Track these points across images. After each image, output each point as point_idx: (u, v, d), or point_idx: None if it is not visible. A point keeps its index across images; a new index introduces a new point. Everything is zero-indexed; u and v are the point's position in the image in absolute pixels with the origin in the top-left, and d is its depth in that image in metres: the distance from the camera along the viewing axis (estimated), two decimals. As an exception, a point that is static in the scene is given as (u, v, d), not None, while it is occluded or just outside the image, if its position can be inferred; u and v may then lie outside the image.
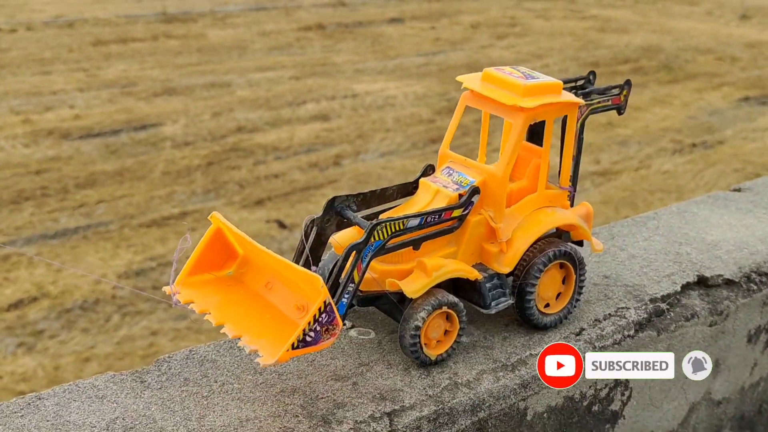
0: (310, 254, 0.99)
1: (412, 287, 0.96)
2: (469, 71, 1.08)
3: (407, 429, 0.89)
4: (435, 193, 1.03)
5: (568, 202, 1.10)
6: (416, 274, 0.98)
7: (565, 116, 1.07)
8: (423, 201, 1.04)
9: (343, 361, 0.97)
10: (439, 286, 0.99)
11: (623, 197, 3.43)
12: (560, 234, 1.10)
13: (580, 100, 1.05)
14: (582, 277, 1.08)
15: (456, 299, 0.98)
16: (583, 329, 1.04)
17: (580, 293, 1.08)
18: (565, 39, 6.26)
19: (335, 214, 1.01)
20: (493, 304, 1.01)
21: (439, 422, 0.92)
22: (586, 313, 1.08)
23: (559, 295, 1.08)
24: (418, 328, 0.95)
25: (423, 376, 0.95)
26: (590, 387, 1.02)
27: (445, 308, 0.97)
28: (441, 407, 0.92)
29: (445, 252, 1.02)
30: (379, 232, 0.93)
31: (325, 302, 0.84)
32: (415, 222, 0.97)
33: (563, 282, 1.08)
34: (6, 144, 3.79)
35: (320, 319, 0.84)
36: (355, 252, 0.92)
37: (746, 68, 5.61)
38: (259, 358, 0.83)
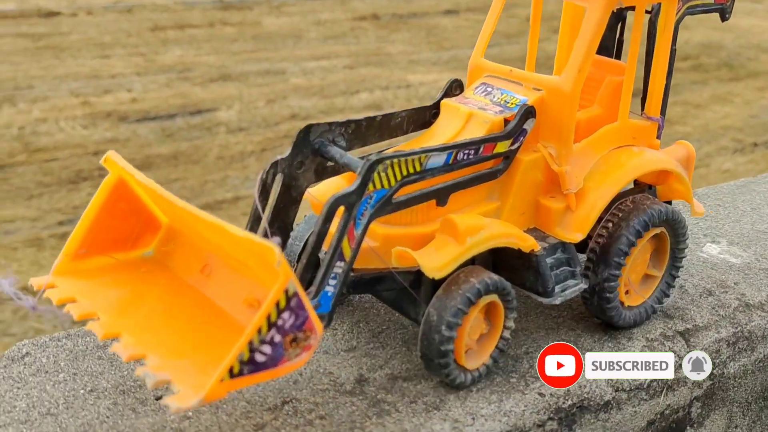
0: (275, 218, 0.64)
1: (435, 261, 0.63)
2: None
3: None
4: (467, 118, 0.71)
5: (658, 141, 0.81)
6: (440, 240, 0.65)
7: (659, 8, 0.76)
8: (449, 131, 0.71)
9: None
10: (472, 262, 0.67)
11: (680, 196, 3.36)
12: (642, 188, 0.81)
13: None
14: (682, 252, 0.79)
15: (505, 281, 0.67)
16: None
17: (676, 275, 0.81)
18: (624, 34, 6.15)
19: (312, 153, 0.66)
20: (557, 289, 0.71)
21: (738, 347, 0.84)
22: None
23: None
24: (453, 327, 0.64)
25: (705, 295, 0.87)
26: None
27: (491, 297, 0.66)
28: (739, 330, 0.83)
29: (484, 209, 0.71)
30: (382, 175, 0.60)
31: (287, 291, 0.51)
32: (439, 159, 0.64)
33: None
34: (66, 125, 3.86)
35: (280, 321, 0.51)
36: (344, 208, 0.60)
37: (812, 68, 5.44)
38: (170, 396, 0.50)
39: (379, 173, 0.60)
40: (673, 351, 0.82)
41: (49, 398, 0.75)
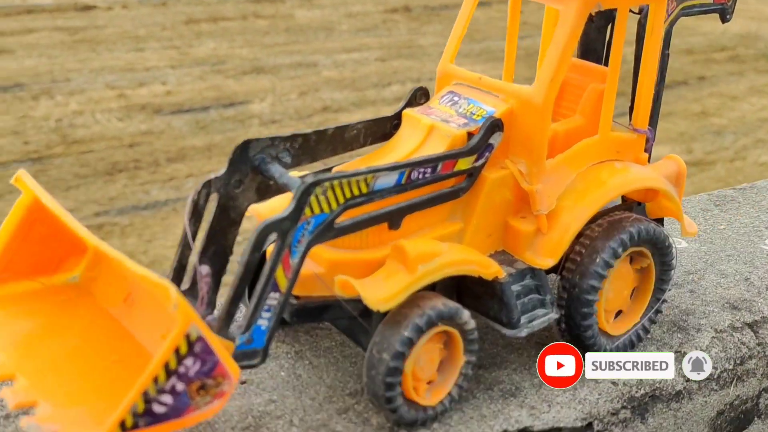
0: (210, 243, 0.58)
1: (380, 292, 0.57)
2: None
3: None
4: (428, 131, 0.66)
5: (645, 155, 0.76)
6: (389, 267, 0.60)
7: (647, 10, 0.70)
8: (408, 145, 0.66)
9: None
10: (432, 288, 0.62)
11: (717, 189, 3.32)
12: (630, 205, 0.76)
13: None
14: (668, 273, 0.75)
15: (458, 306, 0.62)
16: None
17: (662, 299, 0.77)
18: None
19: (252, 171, 0.59)
20: (523, 319, 0.67)
21: None
22: None
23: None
24: (395, 370, 0.58)
25: None
26: None
27: (441, 325, 0.61)
28: None
29: (445, 231, 0.66)
30: (321, 198, 0.54)
31: (188, 336, 0.46)
32: (389, 180, 0.59)
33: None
34: (102, 118, 3.92)
35: (182, 369, 0.46)
36: (277, 235, 0.53)
37: None
38: None
39: (317, 196, 0.54)
40: (742, 342, 0.82)
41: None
